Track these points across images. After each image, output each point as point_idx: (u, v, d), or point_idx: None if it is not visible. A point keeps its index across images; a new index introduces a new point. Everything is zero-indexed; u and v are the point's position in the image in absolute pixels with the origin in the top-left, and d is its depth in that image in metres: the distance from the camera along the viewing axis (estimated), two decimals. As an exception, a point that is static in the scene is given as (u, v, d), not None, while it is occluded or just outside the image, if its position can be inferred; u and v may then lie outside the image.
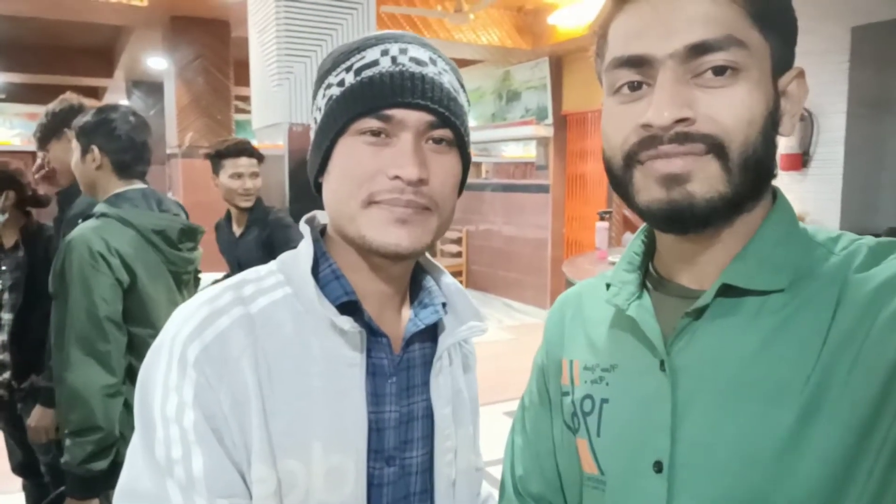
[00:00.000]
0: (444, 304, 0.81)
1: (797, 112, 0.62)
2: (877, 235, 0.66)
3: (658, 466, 0.62)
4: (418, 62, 0.72)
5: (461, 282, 7.15)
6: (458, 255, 8.24)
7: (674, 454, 0.61)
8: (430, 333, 0.80)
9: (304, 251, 0.75)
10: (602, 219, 3.80)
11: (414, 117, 0.70)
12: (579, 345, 0.76)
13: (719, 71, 0.57)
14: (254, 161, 2.55)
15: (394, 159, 0.69)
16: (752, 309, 0.61)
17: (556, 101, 6.81)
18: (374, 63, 0.71)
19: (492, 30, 6.18)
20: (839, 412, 0.55)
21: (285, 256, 0.78)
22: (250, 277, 0.75)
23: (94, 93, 9.09)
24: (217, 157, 2.55)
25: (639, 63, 0.60)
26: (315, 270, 0.75)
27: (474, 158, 8.41)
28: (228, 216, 2.68)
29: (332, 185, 0.73)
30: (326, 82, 0.74)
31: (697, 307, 0.62)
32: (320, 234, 0.80)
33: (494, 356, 5.43)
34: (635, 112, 0.60)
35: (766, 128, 0.59)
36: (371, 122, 0.69)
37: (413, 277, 0.82)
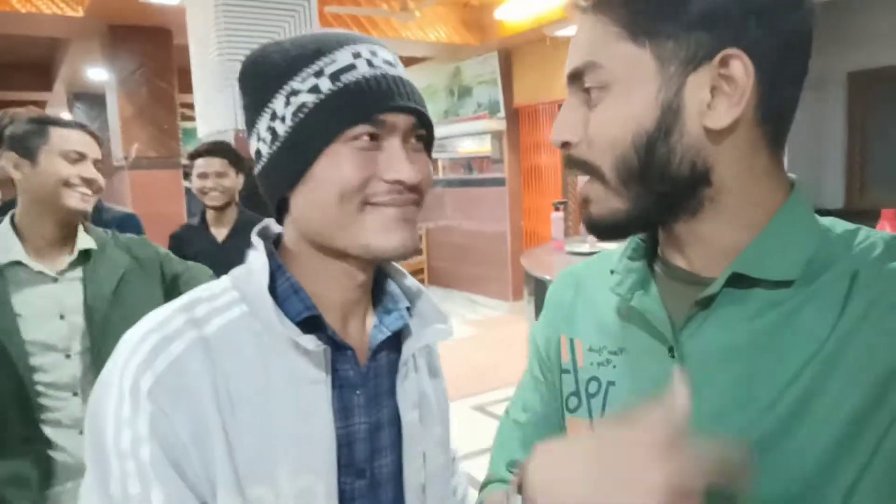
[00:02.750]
0: (408, 308, 0.79)
1: (739, 97, 0.58)
2: (822, 215, 0.66)
3: None
4: (391, 64, 0.71)
5: (423, 279, 7.16)
6: (419, 252, 8.23)
7: None
8: (395, 339, 0.78)
9: (258, 266, 0.71)
10: (557, 209, 3.82)
11: (403, 120, 0.69)
12: (584, 324, 0.76)
13: (586, 91, 0.62)
14: (217, 160, 2.51)
15: (388, 164, 0.68)
16: (762, 299, 0.61)
17: (507, 95, 6.84)
18: (350, 67, 0.68)
19: (439, 26, 6.17)
20: (836, 408, 0.55)
21: (238, 272, 0.74)
22: (203, 296, 0.71)
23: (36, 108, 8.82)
24: (190, 160, 2.54)
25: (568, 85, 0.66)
26: (272, 286, 0.71)
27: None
28: (203, 221, 2.61)
29: (317, 194, 0.69)
30: (289, 88, 0.69)
31: (707, 295, 0.62)
32: (274, 244, 0.77)
33: (459, 351, 5.44)
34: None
35: (644, 140, 0.60)
36: (366, 129, 0.67)
37: (374, 282, 0.80)
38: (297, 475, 0.67)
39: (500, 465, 0.84)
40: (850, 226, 0.65)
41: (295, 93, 0.69)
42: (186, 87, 4.65)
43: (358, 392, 0.73)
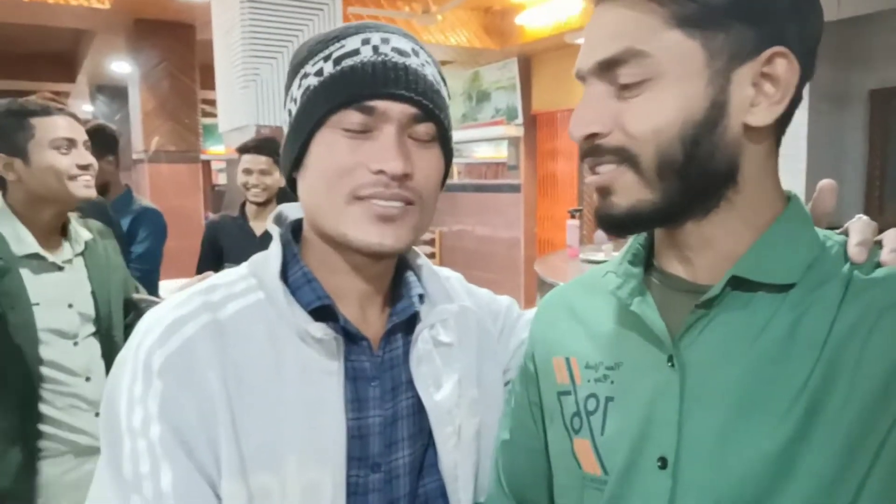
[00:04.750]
0: (421, 296, 0.78)
1: (783, 96, 0.59)
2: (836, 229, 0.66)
3: (662, 462, 0.61)
4: (401, 53, 0.69)
5: None
6: (432, 256, 8.22)
7: (679, 449, 0.60)
8: (412, 327, 0.77)
9: (273, 254, 0.72)
10: (573, 217, 3.82)
11: (397, 109, 0.67)
12: (577, 342, 0.74)
13: (630, 83, 0.59)
14: (263, 158, 2.54)
15: (376, 153, 0.66)
16: (762, 304, 0.60)
17: (525, 101, 6.82)
18: (355, 52, 0.67)
19: (460, 31, 6.18)
20: (842, 412, 0.55)
21: (256, 259, 0.74)
22: (221, 282, 0.71)
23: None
24: (238, 154, 2.58)
25: (580, 78, 0.63)
26: (285, 274, 0.71)
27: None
28: (243, 213, 2.63)
29: (310, 180, 0.70)
30: (302, 72, 0.70)
31: (707, 299, 0.61)
32: (294, 231, 0.76)
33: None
34: (570, 123, 0.64)
35: (691, 132, 0.58)
36: (352, 115, 0.66)
37: (396, 272, 0.79)
38: (305, 466, 0.66)
39: (493, 473, 0.83)
40: (844, 237, 0.65)
41: (306, 75, 0.70)
42: (207, 84, 4.69)
43: (373, 384, 0.72)
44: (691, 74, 0.58)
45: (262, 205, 2.58)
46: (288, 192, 0.75)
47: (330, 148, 0.67)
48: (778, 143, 0.64)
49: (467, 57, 6.85)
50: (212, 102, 3.69)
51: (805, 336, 0.58)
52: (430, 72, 0.71)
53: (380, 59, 0.67)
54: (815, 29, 0.60)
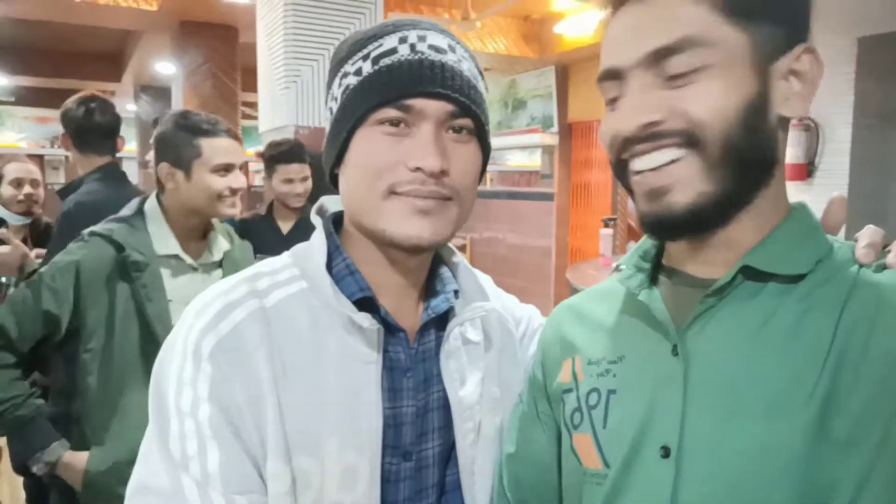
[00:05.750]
0: (456, 292, 0.79)
1: (810, 91, 0.62)
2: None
3: (665, 451, 0.61)
4: (437, 50, 0.70)
5: None
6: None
7: (682, 438, 0.60)
8: (445, 321, 0.78)
9: (317, 245, 0.74)
10: (607, 225, 3.80)
11: (434, 107, 0.68)
12: (580, 341, 0.75)
13: (679, 73, 0.60)
14: (305, 166, 2.57)
15: (414, 150, 0.68)
16: (770, 297, 0.61)
17: (561, 110, 6.81)
18: (393, 51, 0.69)
19: (498, 38, 6.20)
20: (847, 404, 0.55)
21: (299, 249, 0.76)
22: (265, 270, 0.73)
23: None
24: (270, 161, 2.58)
25: (615, 75, 0.63)
26: (329, 264, 0.73)
27: (479, 166, 8.39)
28: (270, 212, 2.68)
29: (350, 176, 0.72)
30: (342, 71, 0.72)
31: (717, 287, 0.61)
32: (334, 224, 0.78)
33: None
34: (613, 122, 0.64)
35: (747, 118, 0.59)
36: (390, 113, 0.68)
37: (431, 267, 0.81)
38: (343, 451, 0.68)
39: (497, 484, 0.83)
40: (852, 242, 0.66)
41: (345, 74, 0.72)
42: (247, 86, 4.78)
43: (408, 375, 0.74)
44: (741, 64, 0.60)
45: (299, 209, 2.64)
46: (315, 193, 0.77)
47: (369, 145, 0.69)
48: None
49: (505, 64, 6.86)
50: (252, 105, 3.76)
51: (811, 329, 0.58)
52: (466, 67, 0.72)
53: (416, 57, 0.68)
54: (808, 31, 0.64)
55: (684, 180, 0.61)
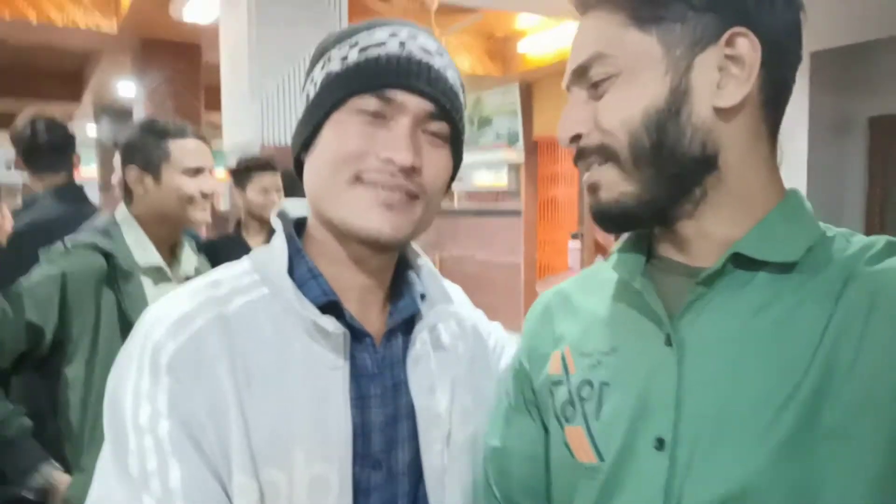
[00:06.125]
0: (422, 295, 0.78)
1: (748, 75, 0.60)
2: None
3: (659, 443, 0.60)
4: (426, 50, 0.70)
5: None
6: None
7: (677, 430, 0.60)
8: (412, 326, 0.76)
9: (278, 249, 0.72)
10: (575, 238, 3.83)
11: (415, 103, 0.68)
12: (571, 333, 0.74)
13: (595, 85, 0.64)
14: (278, 177, 2.53)
15: (387, 142, 0.67)
16: (763, 285, 0.61)
17: (526, 127, 6.88)
18: (381, 43, 0.69)
19: (463, 56, 6.26)
20: (842, 392, 0.55)
21: (258, 255, 0.74)
22: (224, 277, 0.71)
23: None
24: (245, 172, 2.54)
25: (568, 91, 0.68)
26: (290, 269, 0.71)
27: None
28: (238, 232, 2.63)
29: (318, 162, 0.70)
30: (327, 56, 0.71)
31: (709, 274, 0.62)
32: (296, 229, 0.76)
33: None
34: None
35: (659, 120, 0.61)
36: (370, 101, 0.67)
37: (396, 271, 0.79)
38: (312, 461, 0.66)
39: (482, 480, 0.82)
40: (843, 229, 0.66)
41: (330, 59, 0.71)
42: (211, 105, 4.73)
43: (375, 381, 0.72)
44: (648, 66, 0.61)
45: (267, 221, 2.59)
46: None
47: (342, 131, 0.68)
48: (770, 128, 0.66)
49: (469, 82, 6.88)
50: (217, 126, 3.71)
51: (806, 317, 0.58)
52: (451, 75, 0.72)
53: (404, 52, 0.68)
54: (781, 8, 0.62)
55: (607, 182, 0.65)
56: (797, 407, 0.56)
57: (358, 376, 0.71)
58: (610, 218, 0.66)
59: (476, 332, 0.87)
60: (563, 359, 0.73)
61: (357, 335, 0.71)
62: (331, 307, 0.70)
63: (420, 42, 0.70)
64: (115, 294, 1.48)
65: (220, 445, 0.63)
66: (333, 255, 0.73)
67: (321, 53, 0.73)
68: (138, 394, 0.63)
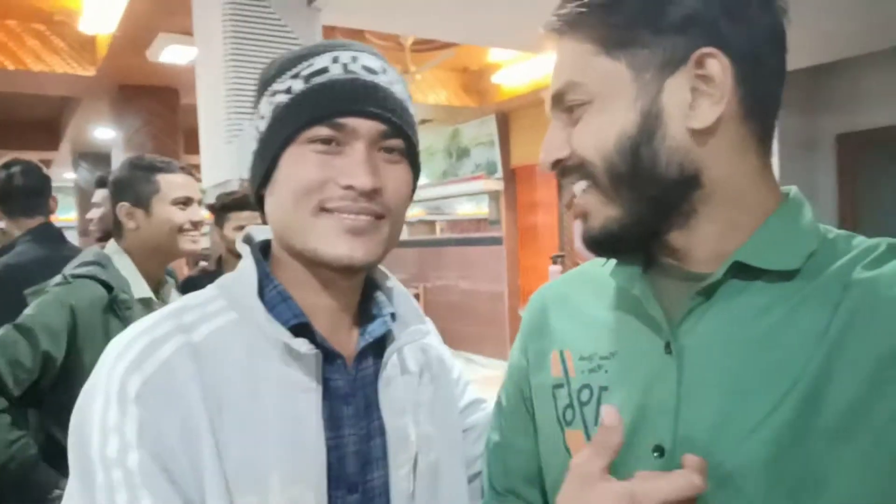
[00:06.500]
0: (393, 315, 0.78)
1: (721, 96, 0.59)
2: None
3: (659, 451, 0.60)
4: (370, 70, 0.70)
5: None
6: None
7: (676, 437, 0.60)
8: (382, 346, 0.76)
9: (248, 273, 0.72)
10: (555, 262, 3.86)
11: (367, 126, 0.68)
12: (571, 335, 0.74)
13: (569, 110, 0.64)
14: (256, 214, 2.53)
15: (346, 168, 0.67)
16: (763, 293, 0.61)
17: (504, 156, 6.97)
18: (324, 70, 0.69)
19: (439, 90, 6.35)
20: (840, 399, 0.55)
21: (225, 280, 0.73)
22: (190, 304, 0.70)
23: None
24: (222, 210, 2.56)
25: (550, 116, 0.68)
26: (260, 293, 0.71)
27: (427, 217, 8.49)
28: (219, 268, 2.63)
29: (279, 196, 0.70)
30: (271, 89, 0.71)
31: (709, 283, 0.61)
32: (262, 252, 0.76)
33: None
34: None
35: (633, 144, 0.61)
36: (322, 131, 0.67)
37: (364, 290, 0.79)
38: (287, 485, 0.65)
39: (485, 476, 0.83)
40: (845, 231, 0.65)
41: (275, 93, 0.70)
42: (190, 148, 4.75)
43: (348, 402, 0.72)
44: (618, 92, 0.61)
45: None
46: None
47: (299, 163, 0.68)
48: (759, 139, 0.63)
49: (446, 115, 7.01)
50: (196, 167, 3.72)
51: (804, 323, 0.58)
52: (398, 90, 0.72)
53: (349, 76, 0.69)
54: (757, 21, 0.61)
55: (592, 208, 0.65)
56: (793, 410, 0.56)
57: (330, 397, 0.71)
58: (599, 244, 0.66)
59: (441, 363, 0.87)
60: (564, 362, 0.73)
61: (329, 356, 0.71)
62: (301, 329, 0.70)
63: (363, 62, 0.71)
64: (122, 322, 1.50)
65: (194, 474, 0.61)
66: (301, 279, 0.73)
67: (265, 85, 0.72)
68: (105, 426, 0.61)
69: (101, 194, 2.15)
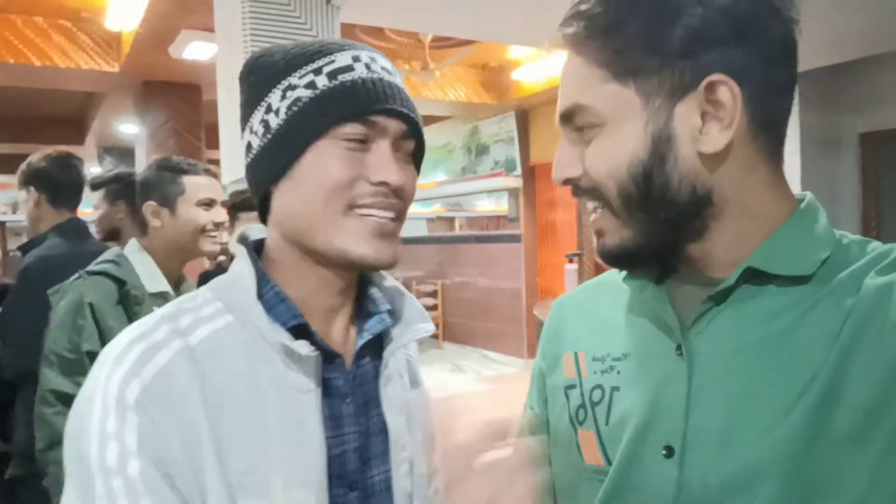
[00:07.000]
0: (389, 311, 0.78)
1: (730, 121, 0.59)
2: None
3: (668, 451, 0.61)
4: (388, 71, 0.72)
5: (438, 335, 6.96)
6: (435, 307, 8.23)
7: (686, 438, 0.60)
8: (379, 344, 0.76)
9: (245, 274, 0.70)
10: (571, 261, 3.85)
11: (394, 125, 0.69)
12: (585, 337, 0.75)
13: (579, 130, 0.64)
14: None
15: (376, 165, 0.68)
16: (776, 297, 0.61)
17: (523, 153, 6.96)
18: (349, 68, 0.69)
19: (458, 86, 6.35)
20: (852, 403, 0.55)
21: (220, 282, 0.73)
22: (185, 307, 0.69)
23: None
24: (234, 210, 2.59)
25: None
26: (257, 294, 0.70)
27: (446, 214, 8.49)
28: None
29: (303, 193, 0.68)
30: (286, 83, 0.69)
31: (721, 289, 0.62)
32: (256, 251, 0.75)
33: (473, 408, 5.36)
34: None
35: (645, 169, 0.61)
36: (356, 128, 0.67)
37: (359, 288, 0.79)
38: (290, 487, 0.65)
39: None
40: (860, 237, 0.65)
41: (292, 87, 0.69)
42: (212, 144, 4.80)
43: (347, 401, 0.72)
44: (630, 118, 0.61)
45: None
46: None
47: (328, 159, 0.67)
48: (769, 152, 0.63)
49: (466, 112, 7.01)
50: (217, 162, 3.75)
51: (816, 327, 0.58)
52: (408, 92, 0.74)
53: (375, 76, 0.69)
54: (766, 39, 0.60)
55: (607, 227, 0.66)
56: (806, 413, 0.56)
57: (330, 397, 0.71)
58: (616, 260, 0.67)
59: (416, 368, 0.88)
60: (577, 362, 0.74)
61: (328, 356, 0.71)
62: (299, 330, 0.69)
63: (381, 63, 0.72)
64: (130, 318, 1.57)
65: (195, 480, 0.61)
66: (298, 278, 0.72)
67: (274, 79, 0.70)
68: (104, 434, 0.60)
69: (96, 196, 2.20)
